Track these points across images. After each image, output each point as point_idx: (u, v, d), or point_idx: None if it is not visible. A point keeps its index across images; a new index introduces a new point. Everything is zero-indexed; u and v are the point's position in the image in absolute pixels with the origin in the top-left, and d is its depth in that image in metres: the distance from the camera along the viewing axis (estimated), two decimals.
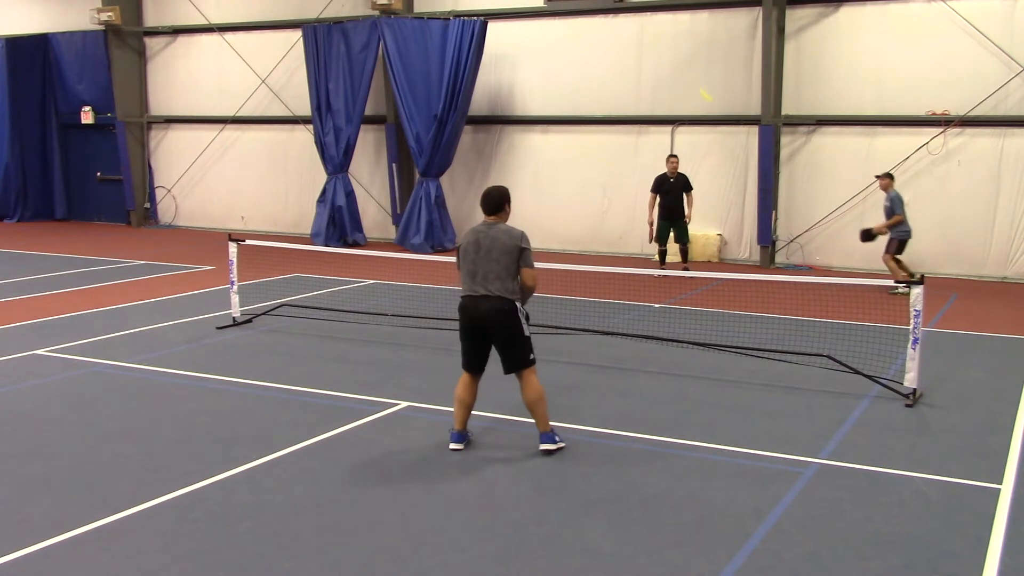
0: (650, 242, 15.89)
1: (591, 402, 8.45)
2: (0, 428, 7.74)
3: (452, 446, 7.20)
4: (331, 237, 19.75)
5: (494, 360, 7.16)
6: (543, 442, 7.08)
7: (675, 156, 15.71)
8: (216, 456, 7.02)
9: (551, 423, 7.18)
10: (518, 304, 7.03)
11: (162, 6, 22.79)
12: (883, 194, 14.67)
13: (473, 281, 7.03)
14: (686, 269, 15.34)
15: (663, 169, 15.85)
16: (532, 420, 7.18)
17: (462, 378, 7.24)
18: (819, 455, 7.09)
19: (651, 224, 15.60)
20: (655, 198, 15.53)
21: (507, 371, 7.14)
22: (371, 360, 10.04)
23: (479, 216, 7.38)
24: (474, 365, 7.19)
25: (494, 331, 7.02)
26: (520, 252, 7.00)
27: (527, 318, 7.12)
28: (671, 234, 15.66)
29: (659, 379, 9.36)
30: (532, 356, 7.09)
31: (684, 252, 15.82)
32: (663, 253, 15.67)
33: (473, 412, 7.29)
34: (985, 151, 15.62)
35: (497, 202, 7.16)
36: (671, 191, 15.37)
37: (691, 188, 15.54)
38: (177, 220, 23.48)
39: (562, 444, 7.14)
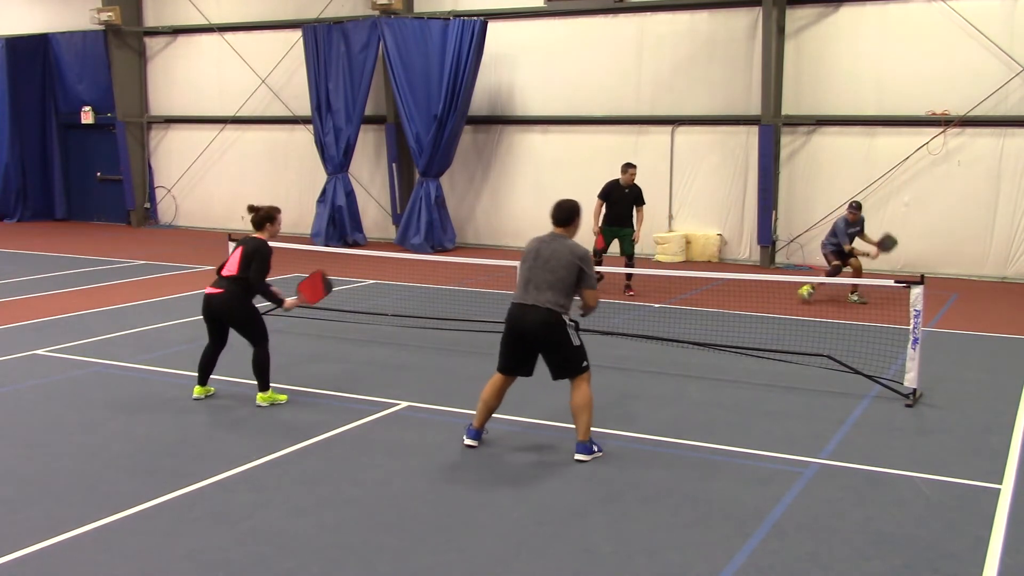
0: (595, 250, 13.61)
1: None
2: (0, 428, 7.74)
3: (467, 442, 7.15)
4: (331, 237, 19.75)
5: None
6: (579, 451, 6.92)
7: (634, 166, 14.06)
8: (216, 456, 7.02)
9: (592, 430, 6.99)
10: (566, 317, 6.86)
11: (162, 6, 22.79)
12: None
13: (524, 289, 6.90)
14: (628, 290, 13.72)
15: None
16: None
17: (493, 379, 7.11)
18: (819, 455, 7.09)
19: (597, 233, 13.72)
20: (601, 205, 13.80)
21: (555, 377, 7.02)
22: (371, 360, 10.04)
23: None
24: (510, 370, 7.06)
25: (538, 342, 6.90)
26: (580, 272, 6.86)
27: (577, 327, 6.97)
28: (615, 242, 13.93)
29: (659, 379, 9.36)
30: (585, 364, 6.95)
31: (629, 264, 13.79)
32: (599, 262, 13.06)
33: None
34: (985, 151, 15.61)
35: (568, 214, 7.02)
36: (621, 201, 13.77)
37: (643, 202, 13.95)
38: (177, 220, 23.48)
39: (599, 454, 6.99)
